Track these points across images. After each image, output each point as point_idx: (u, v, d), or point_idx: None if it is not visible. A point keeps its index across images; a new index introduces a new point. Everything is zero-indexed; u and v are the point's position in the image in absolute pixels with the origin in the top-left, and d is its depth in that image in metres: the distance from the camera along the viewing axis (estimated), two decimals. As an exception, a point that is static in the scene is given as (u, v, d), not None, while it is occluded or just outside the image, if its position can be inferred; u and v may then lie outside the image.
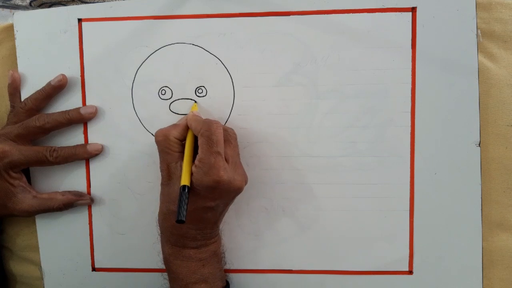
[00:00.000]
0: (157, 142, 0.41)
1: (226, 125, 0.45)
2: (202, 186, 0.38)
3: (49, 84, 0.45)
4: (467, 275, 0.45)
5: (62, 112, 0.45)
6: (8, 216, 0.45)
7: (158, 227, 0.43)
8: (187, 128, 0.42)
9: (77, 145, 0.45)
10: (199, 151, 0.39)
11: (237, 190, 0.40)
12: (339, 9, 0.44)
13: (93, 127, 0.46)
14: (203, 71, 0.45)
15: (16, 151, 0.43)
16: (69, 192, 0.46)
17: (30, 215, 0.46)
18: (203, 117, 0.43)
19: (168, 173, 0.41)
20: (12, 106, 0.46)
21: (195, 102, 0.45)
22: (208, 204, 0.40)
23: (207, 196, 0.39)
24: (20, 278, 0.51)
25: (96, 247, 0.48)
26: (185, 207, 0.37)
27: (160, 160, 0.42)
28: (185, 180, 0.38)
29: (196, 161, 0.39)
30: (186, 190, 0.38)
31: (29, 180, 0.46)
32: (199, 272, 0.41)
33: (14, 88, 0.46)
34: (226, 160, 0.39)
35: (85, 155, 0.45)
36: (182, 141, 0.42)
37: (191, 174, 0.39)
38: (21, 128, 0.44)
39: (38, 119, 0.44)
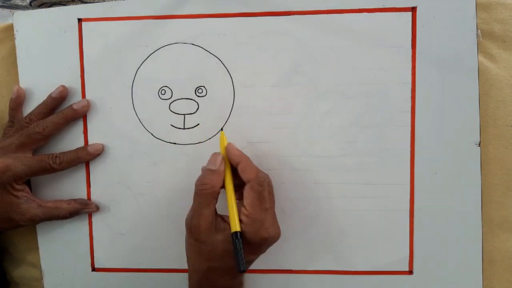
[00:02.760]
0: (200, 193, 0.38)
1: (226, 125, 0.45)
2: (251, 243, 0.37)
3: (50, 96, 0.45)
4: (467, 275, 0.45)
5: (57, 113, 0.45)
6: (14, 228, 0.45)
7: (188, 282, 0.41)
8: (224, 173, 0.40)
9: (78, 148, 0.45)
10: (247, 204, 0.37)
11: (275, 242, 0.39)
12: (339, 9, 0.44)
13: (93, 127, 0.46)
14: (203, 71, 0.45)
15: (18, 163, 0.42)
16: (74, 200, 0.46)
17: (35, 223, 0.46)
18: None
19: (206, 229, 0.37)
20: (11, 121, 0.46)
21: (221, 130, 0.44)
22: (251, 258, 0.39)
23: (250, 251, 0.38)
24: (20, 279, 0.51)
25: (96, 247, 0.48)
26: (242, 254, 0.35)
27: (194, 213, 0.38)
28: (236, 227, 0.37)
29: (243, 216, 0.37)
30: (239, 236, 0.36)
31: (29, 186, 0.46)
32: None
33: (17, 104, 0.46)
34: (269, 211, 0.38)
35: (88, 157, 0.45)
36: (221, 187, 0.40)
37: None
38: (22, 137, 0.43)
39: (37, 125, 0.44)
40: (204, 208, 0.38)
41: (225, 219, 0.39)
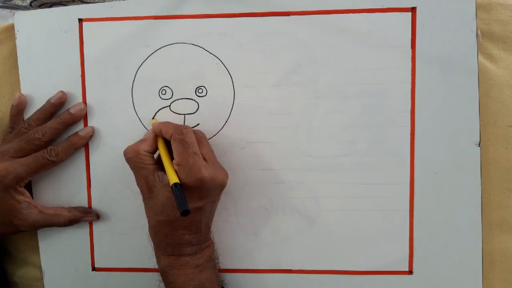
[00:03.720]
0: (128, 159, 0.41)
1: (226, 125, 0.45)
2: (186, 188, 0.38)
3: (49, 102, 0.45)
4: (467, 275, 0.45)
5: (55, 118, 0.45)
6: (15, 233, 0.45)
7: (151, 242, 0.43)
8: (155, 140, 0.42)
9: (70, 136, 0.45)
10: (175, 155, 0.39)
11: (221, 185, 0.41)
12: (339, 9, 0.44)
13: (93, 126, 0.46)
14: (203, 71, 0.45)
15: (17, 165, 0.43)
16: (75, 208, 0.46)
17: (35, 229, 0.46)
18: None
19: (148, 187, 0.40)
20: (12, 127, 0.46)
21: (153, 118, 0.46)
22: (196, 205, 0.39)
23: (193, 197, 0.39)
24: (20, 279, 0.51)
25: (96, 247, 0.48)
26: (183, 198, 0.37)
27: (136, 177, 0.41)
28: (174, 178, 0.38)
29: (174, 165, 0.39)
30: (178, 186, 0.37)
31: (30, 191, 0.46)
32: (197, 278, 0.41)
33: (19, 111, 0.46)
34: (204, 159, 0.40)
35: (81, 141, 0.45)
36: (153, 153, 0.42)
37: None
38: (22, 142, 0.44)
39: (36, 131, 0.44)
40: (138, 169, 0.41)
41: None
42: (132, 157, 0.41)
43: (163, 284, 0.43)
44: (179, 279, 0.41)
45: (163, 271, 0.42)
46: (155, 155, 0.43)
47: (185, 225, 0.40)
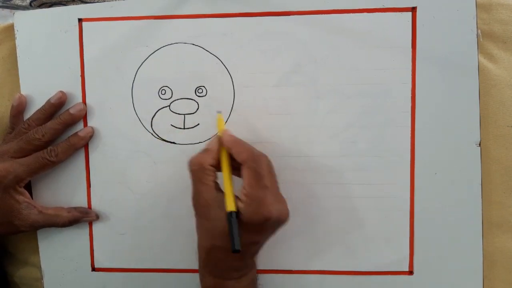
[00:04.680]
0: (192, 171, 0.39)
1: (226, 125, 0.45)
2: (250, 222, 0.36)
3: (48, 102, 0.45)
4: (467, 275, 0.45)
5: (55, 119, 0.45)
6: (15, 234, 0.45)
7: (197, 258, 0.41)
8: (219, 151, 0.40)
9: (70, 136, 0.45)
10: (246, 184, 0.37)
11: (284, 222, 0.38)
12: (339, 9, 0.44)
13: (93, 127, 0.46)
14: (203, 71, 0.45)
15: (17, 165, 0.43)
16: (75, 209, 0.46)
17: (35, 229, 0.46)
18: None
19: (207, 206, 0.38)
20: (12, 128, 0.46)
21: (220, 112, 0.44)
22: (255, 239, 0.38)
23: (255, 231, 0.37)
24: (20, 279, 0.51)
25: (96, 247, 0.48)
26: (237, 233, 0.35)
27: (194, 191, 0.39)
28: (231, 206, 0.36)
29: (242, 195, 0.37)
30: (235, 216, 0.36)
31: (30, 192, 0.46)
32: None
33: (19, 112, 0.46)
34: (270, 189, 0.37)
35: (81, 142, 0.45)
36: (217, 167, 0.39)
37: (237, 208, 0.37)
38: (22, 142, 0.44)
39: (36, 132, 0.44)
40: (199, 185, 0.38)
41: None
42: (196, 170, 0.38)
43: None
44: None
45: None
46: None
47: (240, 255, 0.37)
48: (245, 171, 0.37)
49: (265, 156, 0.39)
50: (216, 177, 0.39)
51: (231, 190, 0.37)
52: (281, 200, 0.39)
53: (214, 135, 0.44)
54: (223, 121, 0.43)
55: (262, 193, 0.36)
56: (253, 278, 0.42)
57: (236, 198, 0.37)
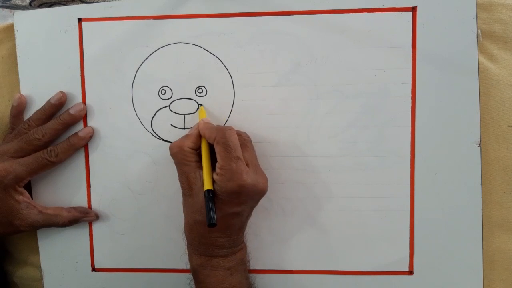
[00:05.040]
0: (172, 154, 0.41)
1: (226, 125, 0.45)
2: (227, 192, 0.38)
3: (48, 102, 0.45)
4: (467, 275, 0.45)
5: (55, 119, 0.45)
6: (15, 233, 0.45)
7: (185, 239, 0.43)
8: (199, 136, 0.42)
9: (70, 137, 0.45)
10: (218, 158, 0.39)
11: (262, 192, 0.40)
12: (339, 9, 0.44)
13: (93, 127, 0.46)
14: (203, 71, 0.45)
15: (17, 165, 0.43)
16: (75, 208, 0.46)
17: (35, 229, 0.46)
18: (214, 123, 0.43)
19: (189, 184, 0.40)
20: (12, 128, 0.46)
21: (201, 105, 0.45)
22: (234, 210, 0.39)
23: (232, 201, 0.39)
24: (20, 279, 0.51)
25: (96, 247, 0.48)
26: (214, 209, 0.37)
27: (178, 172, 0.41)
28: (208, 185, 0.38)
29: (217, 169, 0.39)
30: (211, 194, 0.38)
31: (30, 191, 0.46)
32: (227, 281, 0.41)
33: (19, 112, 0.46)
34: (246, 164, 0.39)
35: (81, 142, 0.45)
36: (197, 150, 0.42)
37: (214, 181, 0.39)
38: (22, 142, 0.44)
39: (36, 132, 0.44)
40: (181, 166, 0.41)
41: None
42: (176, 152, 0.41)
43: (193, 283, 0.43)
44: (210, 280, 0.41)
45: (195, 270, 0.42)
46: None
47: (220, 228, 0.40)
48: (216, 148, 0.39)
49: (232, 129, 0.40)
50: (197, 158, 0.41)
51: (208, 169, 0.39)
52: (257, 170, 0.41)
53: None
54: (204, 112, 0.45)
55: (234, 163, 0.38)
56: (241, 259, 0.43)
57: (213, 173, 0.39)
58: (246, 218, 0.42)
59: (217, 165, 0.39)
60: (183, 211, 0.42)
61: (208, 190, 0.38)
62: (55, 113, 0.46)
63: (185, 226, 0.42)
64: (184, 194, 0.41)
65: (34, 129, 0.44)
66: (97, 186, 0.47)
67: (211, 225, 0.36)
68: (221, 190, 0.38)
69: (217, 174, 0.38)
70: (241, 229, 0.42)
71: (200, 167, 0.40)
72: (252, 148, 0.42)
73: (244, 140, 0.42)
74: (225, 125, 0.44)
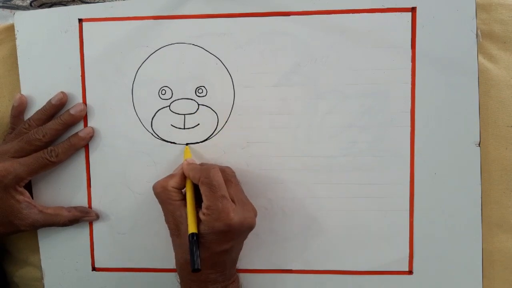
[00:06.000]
0: (156, 194, 0.42)
1: (226, 125, 0.45)
2: (214, 232, 0.38)
3: (49, 103, 0.45)
4: (467, 275, 0.45)
5: (55, 119, 0.45)
6: (15, 233, 0.45)
7: (178, 277, 0.42)
8: (184, 176, 0.42)
9: (70, 137, 0.45)
10: (204, 199, 0.39)
11: (250, 228, 0.40)
12: (339, 9, 0.44)
13: (93, 127, 0.46)
14: (203, 71, 0.45)
15: (17, 165, 0.43)
16: (75, 208, 0.46)
17: (35, 229, 0.46)
18: (199, 160, 0.44)
19: (175, 224, 0.40)
20: (12, 128, 0.46)
21: (186, 145, 0.45)
22: (223, 248, 0.39)
23: (221, 240, 0.39)
24: (20, 279, 0.51)
25: (96, 247, 0.48)
26: (198, 254, 0.37)
27: (164, 212, 0.41)
28: (192, 228, 0.38)
29: (203, 209, 0.39)
30: (195, 238, 0.38)
31: (30, 191, 0.46)
32: None
33: (19, 112, 0.46)
34: (232, 200, 0.39)
35: (82, 142, 0.45)
36: (181, 189, 0.42)
37: (200, 221, 0.39)
38: (22, 142, 0.44)
39: (37, 132, 0.44)
40: (167, 205, 0.41)
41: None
42: (159, 192, 0.41)
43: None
44: None
45: None
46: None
47: (211, 265, 0.40)
48: (201, 188, 0.39)
49: (215, 168, 0.40)
50: (182, 196, 0.41)
51: (192, 212, 0.39)
52: (244, 206, 0.40)
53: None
54: (189, 151, 0.45)
55: (220, 203, 0.38)
56: None
57: (200, 213, 0.39)
58: (237, 252, 0.42)
59: (203, 205, 0.39)
60: (174, 250, 0.42)
61: (192, 234, 0.38)
62: (55, 113, 0.46)
63: (176, 264, 0.42)
64: (171, 234, 0.41)
65: (35, 129, 0.44)
66: (97, 186, 0.47)
67: (195, 270, 0.37)
68: (209, 230, 0.38)
69: (204, 214, 0.38)
70: (233, 263, 0.42)
71: (185, 205, 0.40)
72: (237, 183, 0.42)
73: (228, 175, 0.41)
74: (209, 163, 0.45)
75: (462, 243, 0.45)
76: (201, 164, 0.43)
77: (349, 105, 0.44)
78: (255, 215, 0.41)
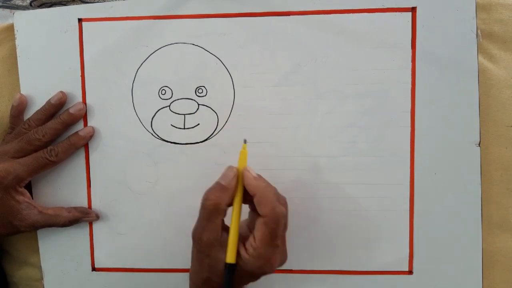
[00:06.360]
0: (205, 208, 0.37)
1: (226, 125, 0.45)
2: (252, 275, 0.36)
3: (49, 102, 0.45)
4: (467, 275, 0.45)
5: (55, 119, 0.45)
6: (14, 234, 0.45)
7: (190, 285, 0.40)
8: (236, 189, 0.38)
9: (70, 136, 0.45)
10: (258, 238, 0.36)
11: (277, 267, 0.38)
12: (339, 9, 0.44)
13: (93, 127, 0.46)
14: (203, 71, 0.45)
15: (17, 165, 0.43)
16: (75, 208, 0.46)
17: (35, 229, 0.46)
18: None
19: (209, 244, 0.36)
20: (12, 128, 0.46)
21: (245, 142, 0.39)
22: (249, 282, 0.38)
23: (252, 279, 0.37)
24: (20, 279, 0.51)
25: (96, 247, 0.48)
26: (231, 285, 0.35)
27: (199, 225, 0.37)
28: (231, 258, 0.36)
29: (250, 246, 0.36)
30: (232, 270, 0.36)
31: (30, 191, 0.46)
32: None
33: (19, 112, 0.46)
34: (281, 246, 0.37)
35: (81, 141, 0.45)
36: (230, 206, 0.38)
37: (239, 254, 0.36)
38: (22, 142, 0.44)
39: (37, 132, 0.44)
40: (207, 222, 0.37)
41: None
42: (211, 208, 0.36)
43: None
44: None
45: None
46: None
47: None
48: (261, 226, 0.36)
49: (285, 214, 0.37)
50: (225, 215, 0.38)
51: (235, 242, 0.36)
52: (284, 252, 0.38)
53: (229, 168, 0.38)
54: (246, 155, 0.39)
55: (272, 252, 0.36)
56: None
57: (240, 244, 0.37)
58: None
59: (252, 242, 0.36)
60: (193, 262, 0.39)
61: (229, 264, 0.36)
62: (55, 113, 0.46)
63: (194, 275, 0.39)
64: (198, 250, 0.38)
65: (35, 129, 0.44)
66: (97, 186, 0.47)
67: None
68: (247, 270, 0.36)
69: (247, 252, 0.36)
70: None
71: (223, 227, 0.37)
72: (287, 227, 0.38)
73: (286, 219, 0.37)
74: (281, 196, 0.38)
75: (462, 243, 0.45)
76: (257, 179, 0.38)
77: (349, 105, 0.44)
78: (286, 260, 0.39)
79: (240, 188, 0.38)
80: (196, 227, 0.37)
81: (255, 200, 0.37)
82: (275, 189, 0.38)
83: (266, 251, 0.35)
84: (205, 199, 0.37)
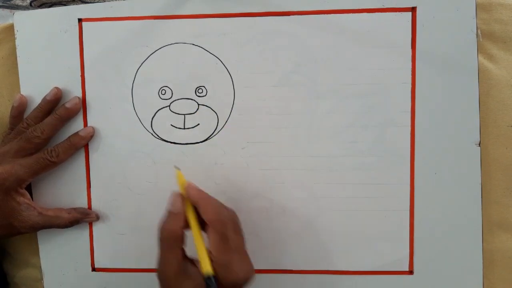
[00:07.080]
0: (163, 240, 0.36)
1: (226, 125, 0.45)
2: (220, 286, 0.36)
3: (44, 99, 0.45)
4: (467, 275, 0.45)
5: (52, 115, 0.45)
6: (15, 235, 0.44)
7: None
8: (185, 212, 0.38)
9: (70, 136, 0.45)
10: (213, 249, 0.36)
11: (250, 280, 0.38)
12: (339, 9, 0.44)
13: (93, 127, 0.46)
14: (203, 71, 0.45)
15: (18, 167, 0.43)
16: (75, 209, 0.46)
17: (35, 231, 0.46)
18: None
19: (175, 276, 0.36)
20: (11, 128, 0.46)
21: (178, 169, 0.40)
22: None
23: None
24: (20, 280, 0.51)
25: (96, 247, 0.48)
26: None
27: (161, 261, 0.36)
28: (208, 269, 0.35)
29: (211, 261, 0.36)
30: (214, 281, 0.35)
31: (30, 192, 0.46)
32: None
33: (19, 112, 0.46)
34: (236, 251, 0.37)
35: (82, 141, 0.45)
36: (186, 228, 0.38)
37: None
38: (22, 141, 0.43)
39: (35, 129, 0.44)
40: (168, 254, 0.36)
41: (194, 263, 0.37)
42: (168, 238, 0.36)
43: None
44: None
45: None
46: None
47: None
48: (211, 234, 0.36)
49: (233, 215, 0.38)
50: (184, 243, 0.37)
51: (206, 253, 0.36)
52: (246, 259, 0.38)
53: (174, 194, 0.39)
54: (183, 176, 0.40)
55: (229, 257, 0.36)
56: None
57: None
58: None
59: (212, 257, 0.36)
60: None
61: (210, 277, 0.35)
62: (52, 110, 0.46)
63: None
64: (162, 286, 0.36)
65: (32, 127, 0.44)
66: (97, 186, 0.47)
67: None
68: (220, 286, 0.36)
69: (212, 266, 0.36)
70: None
71: (185, 256, 0.37)
72: (241, 230, 0.38)
73: (237, 224, 0.38)
74: (226, 207, 0.39)
75: (462, 243, 0.45)
76: (200, 191, 0.39)
77: (349, 105, 0.44)
78: (253, 270, 0.38)
79: (189, 204, 0.38)
80: (159, 265, 0.37)
81: (201, 211, 0.37)
82: (219, 201, 0.38)
83: (224, 257, 0.36)
84: (161, 231, 0.37)
